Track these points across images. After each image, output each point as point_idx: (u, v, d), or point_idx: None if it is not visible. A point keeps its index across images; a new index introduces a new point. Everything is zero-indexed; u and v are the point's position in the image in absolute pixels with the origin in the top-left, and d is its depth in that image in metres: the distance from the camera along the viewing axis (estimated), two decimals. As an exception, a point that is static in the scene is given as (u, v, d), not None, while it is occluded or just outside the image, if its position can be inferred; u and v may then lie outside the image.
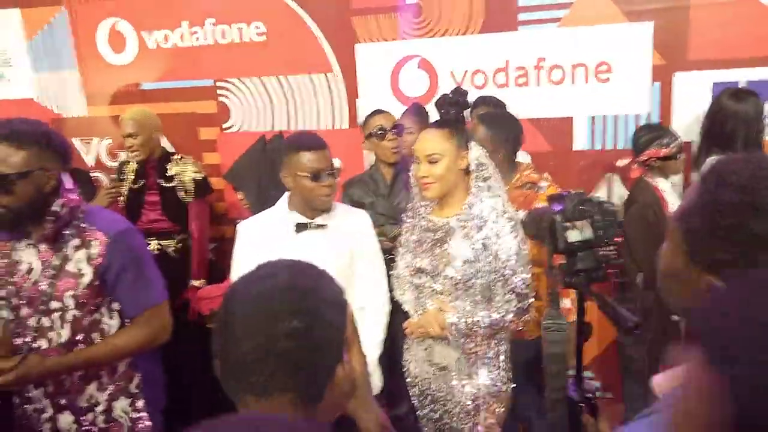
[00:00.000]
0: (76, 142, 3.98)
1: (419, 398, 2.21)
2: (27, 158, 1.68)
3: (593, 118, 3.14)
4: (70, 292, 1.78)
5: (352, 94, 3.46)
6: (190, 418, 0.73)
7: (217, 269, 3.28)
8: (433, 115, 2.25)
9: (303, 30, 3.44)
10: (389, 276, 2.26)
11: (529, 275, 2.04)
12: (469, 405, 2.07)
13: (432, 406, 2.17)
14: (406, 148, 2.69)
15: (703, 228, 0.86)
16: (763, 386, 0.57)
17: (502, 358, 2.11)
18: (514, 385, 2.16)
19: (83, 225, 1.81)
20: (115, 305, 1.88)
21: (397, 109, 3.11)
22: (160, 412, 1.99)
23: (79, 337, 1.82)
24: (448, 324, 1.99)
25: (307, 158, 2.02)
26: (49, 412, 1.86)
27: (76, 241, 1.79)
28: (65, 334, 1.81)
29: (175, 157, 3.30)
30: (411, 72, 3.34)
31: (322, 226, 2.08)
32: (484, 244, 1.98)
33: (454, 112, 2.00)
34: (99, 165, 4.02)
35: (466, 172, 2.02)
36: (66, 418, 1.86)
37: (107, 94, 3.88)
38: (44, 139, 1.73)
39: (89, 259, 1.79)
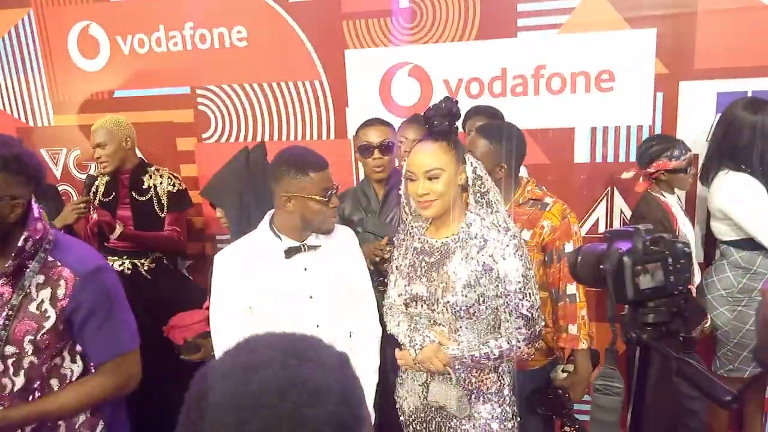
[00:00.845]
0: (43, 153, 3.72)
1: None
2: None
3: (594, 129, 3.00)
4: (30, 337, 1.54)
5: (341, 102, 3.28)
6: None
7: (195, 290, 3.05)
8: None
9: (288, 35, 3.25)
10: (380, 305, 2.05)
11: (538, 297, 1.85)
12: (470, 447, 1.86)
13: None
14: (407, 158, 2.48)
15: None
16: None
17: (506, 391, 1.90)
18: (519, 418, 1.96)
19: (50, 259, 1.58)
20: (79, 348, 1.64)
21: (387, 119, 2.94)
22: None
23: (36, 384, 1.58)
24: (450, 359, 1.78)
25: (317, 180, 1.81)
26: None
27: (39, 278, 1.56)
28: (19, 381, 1.56)
29: (151, 168, 3.08)
30: (403, 80, 3.17)
31: (314, 247, 1.86)
32: (487, 267, 1.78)
33: (448, 124, 1.81)
34: (67, 177, 3.76)
35: (463, 188, 1.84)
36: None
37: (77, 102, 3.64)
38: (15, 163, 1.50)
39: (54, 299, 1.55)
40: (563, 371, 2.30)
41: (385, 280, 2.09)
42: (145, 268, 2.94)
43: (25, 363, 1.56)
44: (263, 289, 1.81)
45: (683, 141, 2.60)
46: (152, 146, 3.52)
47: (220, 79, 3.40)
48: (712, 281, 2.65)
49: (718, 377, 1.00)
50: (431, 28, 3.08)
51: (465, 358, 1.78)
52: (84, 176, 3.65)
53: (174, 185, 3.06)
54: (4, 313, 1.53)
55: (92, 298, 1.57)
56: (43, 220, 1.63)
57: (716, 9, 2.76)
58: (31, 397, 1.58)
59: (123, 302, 1.68)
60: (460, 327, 1.82)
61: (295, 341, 0.75)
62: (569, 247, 2.14)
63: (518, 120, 2.98)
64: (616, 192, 3.04)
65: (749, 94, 2.77)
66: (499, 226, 1.81)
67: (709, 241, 2.87)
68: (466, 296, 1.77)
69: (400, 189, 2.01)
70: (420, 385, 1.93)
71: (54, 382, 1.61)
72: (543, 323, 1.88)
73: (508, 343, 1.79)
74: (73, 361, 1.64)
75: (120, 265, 2.91)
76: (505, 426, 1.87)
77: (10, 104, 3.75)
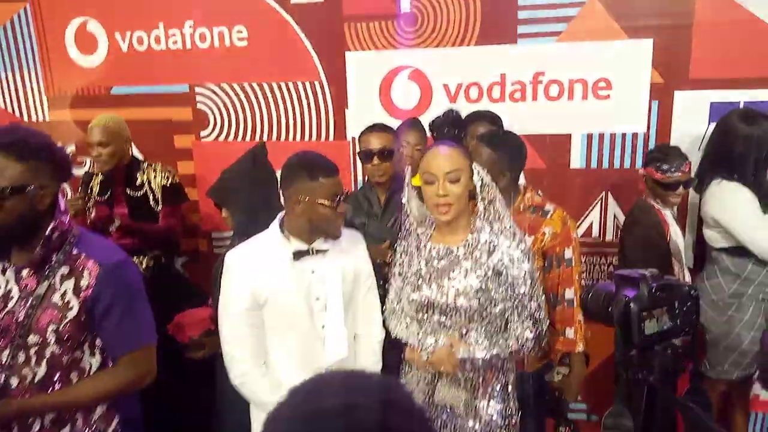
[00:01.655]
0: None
1: None
2: (23, 173, 1.51)
3: (590, 135, 3.06)
4: (53, 326, 1.57)
5: (341, 103, 3.30)
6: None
7: (192, 288, 3.06)
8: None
9: (289, 35, 3.26)
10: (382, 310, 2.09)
11: (543, 298, 1.93)
12: (477, 443, 1.91)
13: None
14: (410, 163, 2.50)
15: None
16: None
17: (509, 389, 1.97)
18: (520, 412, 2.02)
19: (74, 252, 1.61)
20: (99, 342, 1.67)
21: (387, 122, 2.97)
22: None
23: (56, 375, 1.61)
24: (460, 361, 1.84)
25: (327, 185, 1.82)
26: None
27: (64, 269, 1.60)
28: (41, 372, 1.59)
29: (144, 164, 3.08)
30: (403, 83, 3.20)
31: (322, 251, 1.88)
32: (497, 271, 1.84)
33: (456, 132, 1.86)
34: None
35: (470, 195, 1.89)
36: None
37: (73, 98, 3.62)
38: (45, 152, 1.55)
39: (77, 289, 1.58)
40: (557, 373, 2.35)
41: (386, 284, 2.13)
42: (143, 266, 2.95)
43: (47, 353, 1.58)
44: (271, 290, 1.83)
45: (685, 161, 2.58)
46: (150, 143, 3.52)
47: (219, 77, 3.41)
48: (703, 286, 2.72)
49: (716, 424, 1.03)
50: (432, 33, 3.11)
51: (476, 359, 1.84)
52: (78, 171, 3.63)
53: (168, 178, 3.06)
54: (29, 303, 1.57)
55: (114, 289, 1.61)
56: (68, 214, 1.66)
57: (711, 21, 2.82)
58: (51, 390, 1.60)
59: (143, 297, 1.71)
60: (470, 329, 1.87)
61: (353, 383, 0.76)
62: (569, 254, 2.19)
63: (516, 125, 3.03)
64: (610, 197, 3.10)
65: (742, 105, 2.85)
66: (507, 231, 1.86)
67: (700, 247, 2.94)
68: (478, 300, 1.83)
69: (402, 195, 2.04)
70: (426, 386, 1.97)
71: (74, 376, 1.64)
72: (548, 322, 1.94)
73: (517, 343, 1.86)
74: (92, 354, 1.67)
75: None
76: (508, 422, 1.93)
77: (4, 99, 3.71)
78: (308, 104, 3.34)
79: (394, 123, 3.02)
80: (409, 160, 2.56)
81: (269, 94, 3.37)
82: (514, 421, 1.96)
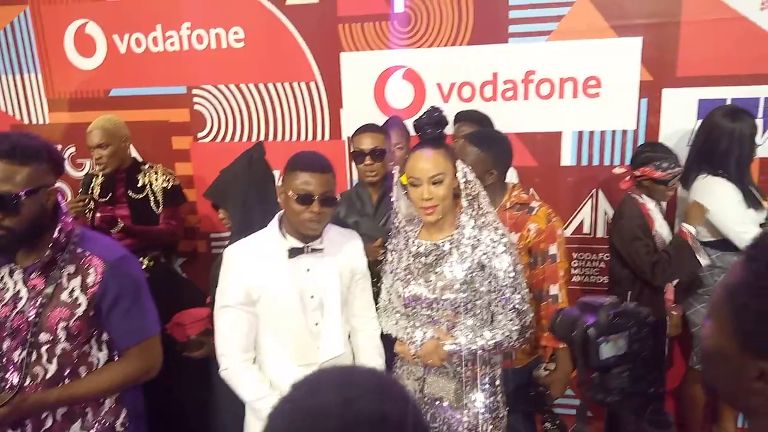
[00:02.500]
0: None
1: None
2: (31, 175, 1.58)
3: (580, 133, 3.11)
4: (63, 323, 1.63)
5: (336, 104, 3.35)
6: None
7: (191, 289, 3.12)
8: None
9: (284, 37, 3.31)
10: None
11: (527, 291, 1.99)
12: (466, 435, 1.97)
13: None
14: (398, 163, 2.56)
15: (756, 310, 0.79)
16: None
17: (497, 382, 2.03)
18: (508, 407, 2.07)
19: (78, 251, 1.68)
20: (105, 336, 1.74)
21: (380, 121, 3.02)
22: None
23: (67, 371, 1.67)
24: (448, 354, 1.90)
25: (301, 179, 1.83)
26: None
27: (70, 268, 1.66)
28: (52, 369, 1.65)
29: (145, 166, 3.14)
30: (397, 83, 3.25)
31: (317, 250, 1.94)
32: (481, 264, 1.90)
33: (439, 132, 1.92)
34: (62, 175, 3.79)
35: (455, 192, 1.95)
36: None
37: (72, 100, 3.68)
38: (44, 153, 1.62)
39: (84, 286, 1.65)
40: (545, 369, 2.41)
41: (379, 282, 2.19)
42: (144, 266, 3.00)
43: (58, 350, 1.65)
44: (267, 286, 1.88)
45: (677, 156, 2.66)
46: (148, 145, 3.58)
47: (216, 79, 3.46)
48: (690, 280, 2.77)
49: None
50: (425, 33, 3.16)
51: (462, 351, 1.90)
52: (79, 173, 3.70)
53: (168, 181, 3.12)
54: (38, 303, 1.63)
55: (120, 284, 1.67)
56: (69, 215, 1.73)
57: (699, 20, 2.87)
58: (61, 384, 1.67)
59: (146, 290, 1.78)
60: (458, 323, 1.93)
61: (348, 378, 0.81)
62: (553, 250, 2.24)
63: (508, 123, 3.10)
64: (600, 194, 3.15)
65: (729, 102, 2.90)
66: (490, 226, 1.92)
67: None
68: (464, 293, 1.89)
69: (391, 194, 2.09)
70: (416, 379, 2.04)
71: (82, 370, 1.70)
72: (532, 314, 2.00)
73: (501, 334, 1.92)
74: (100, 349, 1.73)
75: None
76: (495, 415, 1.99)
77: (5, 101, 3.77)
78: (304, 104, 3.40)
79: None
80: (395, 159, 2.61)
81: (265, 95, 3.42)
82: (501, 414, 2.02)
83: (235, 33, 3.37)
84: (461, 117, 2.92)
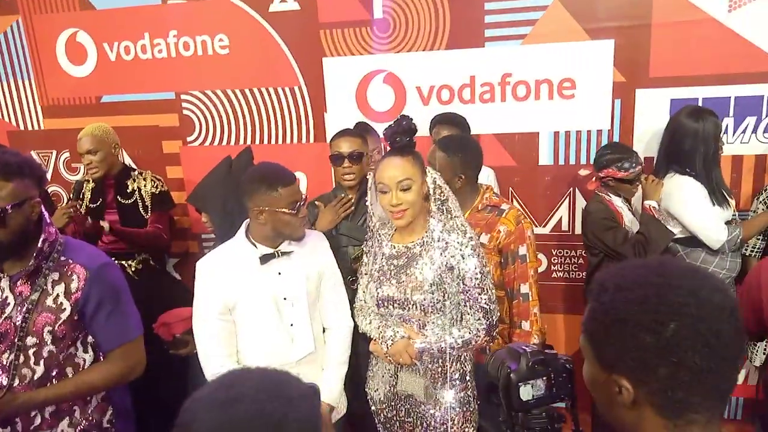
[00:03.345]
0: (33, 156, 3.87)
1: (385, 425, 2.21)
2: (15, 190, 1.68)
3: (557, 133, 3.19)
4: (48, 327, 1.74)
5: (320, 107, 3.45)
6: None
7: (181, 289, 3.22)
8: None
9: (268, 43, 3.40)
10: (351, 306, 2.25)
11: (494, 291, 2.07)
12: (438, 429, 2.07)
13: None
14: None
15: (603, 331, 0.92)
16: None
17: (467, 377, 2.12)
18: (479, 402, 2.17)
19: (62, 258, 1.78)
20: (90, 339, 1.85)
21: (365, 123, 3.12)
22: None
23: (54, 372, 1.78)
24: (418, 352, 2.00)
25: (286, 194, 1.97)
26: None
27: (54, 275, 1.77)
28: (39, 370, 1.76)
29: (134, 172, 3.24)
30: (378, 86, 3.34)
31: (287, 253, 2.05)
32: (449, 266, 1.99)
33: (408, 140, 2.01)
34: (58, 179, 3.92)
35: (425, 197, 2.04)
36: None
37: (65, 107, 3.78)
38: (26, 167, 1.72)
39: (68, 292, 1.76)
40: None
41: (356, 279, 2.29)
42: (133, 269, 3.11)
43: (45, 352, 1.76)
44: (241, 293, 2.00)
45: (637, 154, 2.75)
46: (139, 149, 3.69)
47: (203, 84, 3.56)
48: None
49: None
50: (404, 38, 3.24)
51: (432, 349, 2.00)
52: (74, 177, 3.81)
53: (157, 187, 3.22)
54: (24, 308, 1.73)
55: (101, 290, 1.78)
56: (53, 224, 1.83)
57: (669, 21, 2.94)
58: (48, 385, 1.77)
59: (128, 294, 1.89)
60: (428, 322, 2.03)
61: (267, 378, 0.94)
62: (523, 250, 2.33)
63: (486, 125, 3.21)
64: (577, 192, 3.24)
65: (700, 101, 2.98)
66: (458, 229, 2.01)
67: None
68: (432, 294, 1.99)
69: (366, 198, 2.19)
70: (390, 377, 2.14)
71: (69, 371, 1.81)
72: (499, 314, 2.10)
73: (469, 333, 2.02)
74: (85, 351, 1.84)
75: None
76: (466, 408, 2.09)
77: (0, 108, 3.88)
78: (288, 108, 3.49)
79: (372, 125, 3.18)
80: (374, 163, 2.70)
81: (251, 100, 3.52)
82: (472, 407, 2.12)
83: (221, 40, 3.46)
84: (439, 120, 3.01)
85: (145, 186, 3.18)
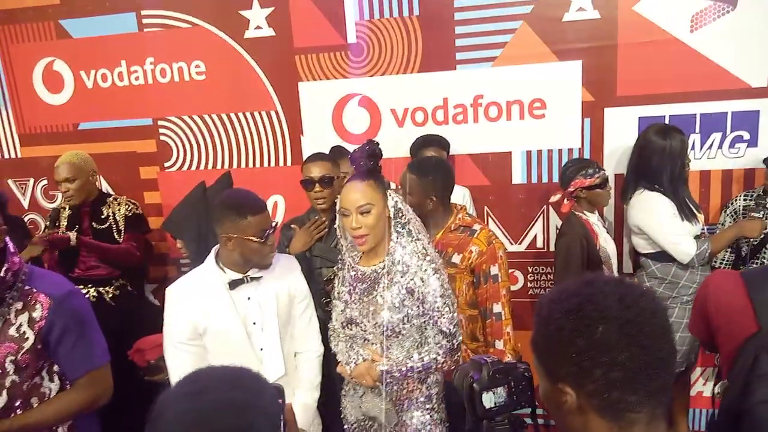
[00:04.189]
0: (11, 184, 3.86)
1: None
2: None
3: (529, 152, 3.25)
4: (11, 357, 1.73)
5: (297, 131, 3.48)
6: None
7: (158, 314, 3.21)
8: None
9: (244, 69, 3.45)
10: (326, 327, 2.26)
11: (455, 314, 2.07)
12: (405, 451, 2.08)
13: None
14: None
15: (543, 347, 1.01)
16: None
17: (434, 400, 2.13)
18: (448, 423, 2.18)
19: (26, 288, 1.77)
20: (56, 367, 1.83)
21: (343, 146, 3.15)
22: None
23: (17, 402, 1.76)
24: (379, 374, 2.00)
25: (254, 222, 1.99)
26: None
27: (18, 305, 1.76)
28: (2, 400, 1.74)
29: (110, 198, 3.25)
30: (353, 109, 3.39)
31: (256, 278, 2.06)
32: (410, 289, 2.01)
33: (372, 163, 2.04)
34: (35, 207, 3.90)
35: (388, 220, 2.06)
36: None
37: (42, 134, 3.79)
38: None
39: (32, 321, 1.75)
40: None
41: (330, 300, 2.31)
42: (110, 295, 3.11)
43: (8, 382, 1.74)
44: (210, 318, 2.00)
45: (596, 161, 2.86)
46: (117, 175, 3.70)
47: (180, 110, 3.59)
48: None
49: None
50: (378, 62, 3.30)
51: (394, 372, 2.01)
52: (51, 205, 3.80)
53: (131, 210, 3.24)
54: None
55: (65, 318, 1.77)
56: (18, 253, 1.83)
57: (634, 42, 3.02)
58: (12, 415, 1.75)
59: (93, 322, 1.88)
60: (390, 345, 2.04)
61: (230, 372, 1.00)
62: (495, 270, 2.36)
63: (460, 145, 3.26)
64: (551, 210, 3.29)
65: (667, 118, 3.05)
66: (419, 252, 2.03)
67: (637, 254, 3.13)
68: (392, 317, 2.00)
69: (335, 223, 2.22)
70: (359, 397, 2.16)
71: (34, 401, 1.79)
72: (461, 337, 2.11)
73: (429, 355, 2.02)
74: (51, 380, 1.82)
75: (85, 293, 3.07)
76: (432, 430, 2.09)
77: (-23, 137, 3.88)
78: (266, 132, 3.53)
79: (349, 147, 3.22)
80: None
81: (228, 125, 3.55)
82: (438, 430, 2.12)
83: (197, 66, 3.50)
84: (422, 142, 3.06)
85: (119, 210, 3.19)
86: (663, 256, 2.80)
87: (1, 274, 1.73)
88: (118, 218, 3.17)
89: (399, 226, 2.04)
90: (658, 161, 2.73)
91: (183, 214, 2.50)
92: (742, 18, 2.91)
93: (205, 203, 2.51)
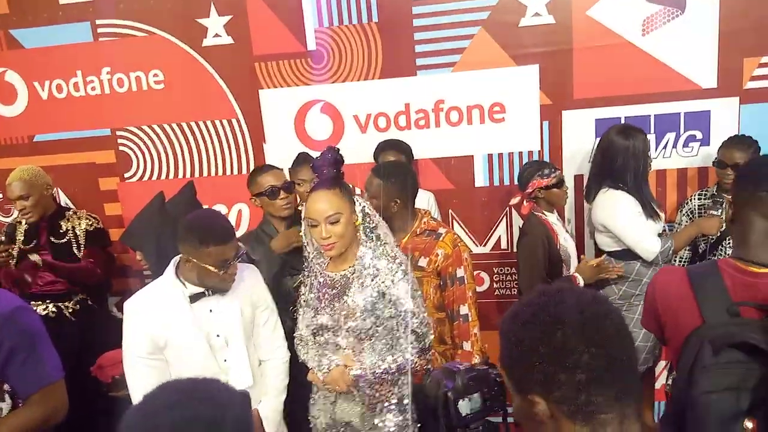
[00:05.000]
0: (-37, 199, 3.75)
1: None
2: None
3: (490, 155, 3.29)
4: None
5: (259, 138, 3.46)
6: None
7: (120, 328, 3.15)
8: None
9: (204, 77, 3.41)
10: (293, 337, 2.25)
11: (426, 314, 2.10)
12: (379, 455, 2.09)
13: None
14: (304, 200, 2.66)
15: (509, 362, 1.03)
16: None
17: (405, 401, 2.13)
18: (420, 424, 2.19)
19: None
20: (6, 386, 1.77)
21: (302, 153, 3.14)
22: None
23: None
24: (353, 379, 2.01)
25: (215, 253, 1.94)
26: None
27: None
28: None
29: (69, 212, 3.18)
30: (316, 116, 3.39)
31: (218, 291, 2.04)
32: (380, 292, 2.02)
33: (335, 171, 2.04)
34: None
35: (356, 226, 2.06)
36: None
37: (-4, 147, 3.69)
38: None
39: None
40: None
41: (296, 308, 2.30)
42: (69, 310, 3.04)
43: None
44: (171, 332, 1.97)
45: (552, 162, 2.91)
46: (75, 187, 3.62)
47: (139, 120, 3.53)
48: (598, 289, 2.96)
49: None
50: (339, 69, 3.31)
51: (367, 376, 2.02)
52: (6, 219, 3.69)
53: (91, 225, 3.17)
54: None
55: (13, 336, 1.70)
56: None
57: (589, 46, 3.09)
58: None
59: (44, 337, 1.81)
60: (363, 349, 2.05)
61: (198, 385, 1.01)
62: (461, 273, 2.39)
63: (423, 150, 3.28)
64: (513, 212, 3.34)
65: (623, 119, 3.13)
66: (388, 256, 2.05)
67: (599, 252, 3.20)
68: (364, 320, 2.01)
69: (300, 229, 2.21)
70: (330, 404, 2.15)
71: None
72: (432, 337, 2.14)
73: (402, 357, 2.04)
74: (2, 399, 1.77)
75: (44, 309, 3.01)
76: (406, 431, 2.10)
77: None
78: (227, 140, 3.50)
79: (313, 154, 3.20)
80: (307, 196, 2.73)
81: (189, 134, 3.51)
82: (411, 431, 2.14)
83: (155, 75, 3.45)
84: (383, 147, 3.08)
85: (79, 224, 3.12)
86: (627, 254, 2.86)
87: None
88: (78, 233, 3.10)
89: (368, 230, 2.05)
90: (622, 161, 2.79)
91: (141, 226, 2.45)
92: (690, 21, 3.00)
93: (165, 214, 2.47)
